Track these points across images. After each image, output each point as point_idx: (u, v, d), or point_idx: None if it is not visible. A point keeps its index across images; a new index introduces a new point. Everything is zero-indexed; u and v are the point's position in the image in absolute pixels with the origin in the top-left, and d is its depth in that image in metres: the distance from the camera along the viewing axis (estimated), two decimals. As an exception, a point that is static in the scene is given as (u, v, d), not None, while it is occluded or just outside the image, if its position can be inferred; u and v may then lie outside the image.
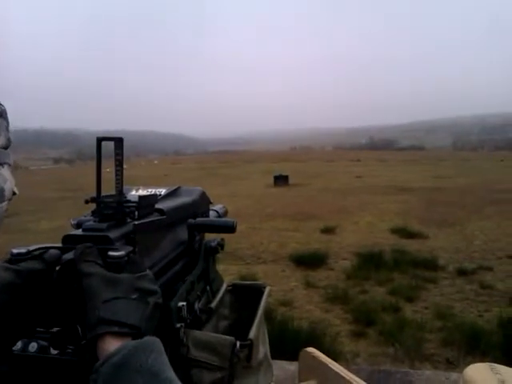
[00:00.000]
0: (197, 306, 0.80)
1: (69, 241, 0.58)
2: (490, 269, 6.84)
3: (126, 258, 0.53)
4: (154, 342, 0.47)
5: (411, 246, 8.42)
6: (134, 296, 0.50)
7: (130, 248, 0.57)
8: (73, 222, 0.71)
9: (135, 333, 0.48)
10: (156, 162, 71.03)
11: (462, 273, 6.63)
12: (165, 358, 0.46)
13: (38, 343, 0.51)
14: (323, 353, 0.93)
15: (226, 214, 1.17)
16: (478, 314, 5.13)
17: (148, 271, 0.56)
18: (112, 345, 0.46)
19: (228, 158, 65.98)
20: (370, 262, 7.09)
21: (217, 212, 1.10)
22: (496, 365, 0.95)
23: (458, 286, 6.13)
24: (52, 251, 0.55)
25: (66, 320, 0.52)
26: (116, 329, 0.47)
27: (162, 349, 0.47)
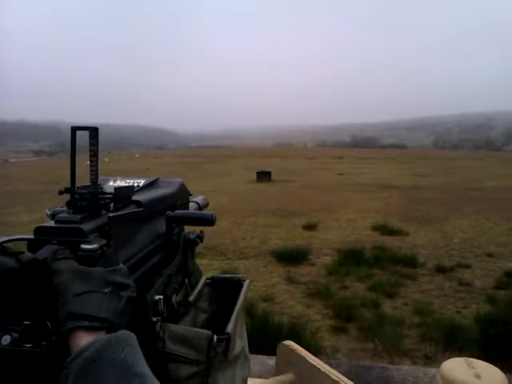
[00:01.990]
0: (174, 299, 0.79)
1: (41, 232, 0.56)
2: (468, 266, 6.95)
3: (99, 252, 0.52)
4: (128, 335, 0.46)
5: (391, 242, 8.51)
6: (106, 290, 0.49)
7: (104, 241, 0.55)
8: (48, 212, 0.69)
9: (107, 327, 0.46)
10: (137, 155, 70.45)
11: (440, 270, 6.72)
12: (139, 353, 0.45)
13: (11, 336, 0.49)
14: (302, 347, 0.93)
15: (207, 205, 1.15)
16: (456, 310, 5.20)
17: (122, 265, 0.55)
18: (84, 339, 0.45)
19: (211, 154, 65.86)
20: (350, 259, 7.15)
21: (197, 204, 1.08)
22: (472, 359, 0.96)
23: (436, 283, 6.21)
24: (28, 254, 0.52)
25: (37, 315, 0.50)
26: (87, 323, 0.45)
27: (137, 343, 0.46)
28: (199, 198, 1.12)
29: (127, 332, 0.46)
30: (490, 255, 7.61)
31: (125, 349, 0.44)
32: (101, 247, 0.53)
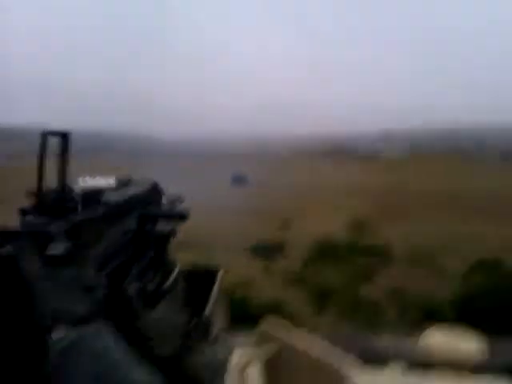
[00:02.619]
0: (150, 287, 0.80)
1: (7, 236, 0.54)
2: (441, 254, 7.18)
3: (66, 254, 0.52)
4: (103, 325, 0.47)
5: (366, 237, 8.70)
6: (76, 289, 0.51)
7: (71, 243, 0.54)
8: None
9: (82, 321, 0.47)
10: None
11: (413, 259, 6.92)
12: (115, 340, 0.47)
13: None
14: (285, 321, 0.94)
15: (181, 202, 1.16)
16: (430, 293, 5.32)
17: (89, 264, 0.56)
18: (59, 334, 0.46)
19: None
20: (326, 252, 7.26)
21: (172, 201, 1.09)
22: (451, 327, 0.98)
23: (409, 270, 6.36)
24: None
25: (10, 313, 0.49)
26: (62, 320, 0.47)
27: (113, 331, 0.48)
28: (173, 195, 1.13)
29: (102, 323, 0.48)
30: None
31: (100, 337, 0.46)
32: (67, 249, 0.52)
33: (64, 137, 0.57)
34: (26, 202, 0.62)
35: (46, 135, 0.56)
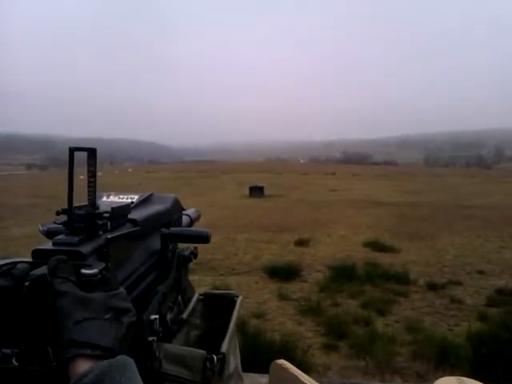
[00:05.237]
0: (168, 317, 0.78)
1: (39, 255, 0.54)
2: (459, 283, 6.97)
3: (99, 276, 0.51)
4: (127, 360, 0.46)
5: (383, 259, 8.52)
6: (106, 316, 0.49)
7: (103, 264, 0.54)
8: (41, 229, 0.68)
9: (108, 354, 0.46)
10: (130, 170, 70.17)
11: (432, 287, 6.73)
12: (138, 378, 0.45)
13: (1, 352, 0.48)
14: (294, 365, 0.93)
15: (198, 218, 1.15)
16: (448, 327, 5.20)
17: (121, 289, 0.54)
18: (84, 367, 0.44)
19: (203, 168, 65.84)
20: (342, 275, 7.13)
21: (189, 216, 1.07)
22: (463, 378, 0.95)
23: (428, 300, 6.21)
24: (20, 266, 0.52)
25: (35, 338, 0.49)
26: (88, 351, 0.45)
27: (135, 367, 0.46)
28: (191, 211, 1.12)
29: (126, 357, 0.46)
30: (481, 272, 7.64)
31: (125, 374, 0.44)
32: (100, 271, 0.52)
33: (91, 152, 0.56)
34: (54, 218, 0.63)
35: (73, 151, 0.55)
